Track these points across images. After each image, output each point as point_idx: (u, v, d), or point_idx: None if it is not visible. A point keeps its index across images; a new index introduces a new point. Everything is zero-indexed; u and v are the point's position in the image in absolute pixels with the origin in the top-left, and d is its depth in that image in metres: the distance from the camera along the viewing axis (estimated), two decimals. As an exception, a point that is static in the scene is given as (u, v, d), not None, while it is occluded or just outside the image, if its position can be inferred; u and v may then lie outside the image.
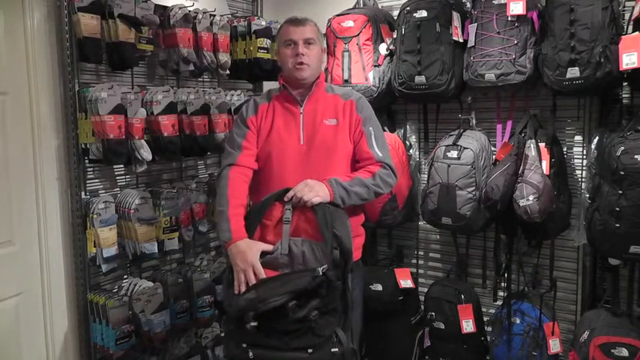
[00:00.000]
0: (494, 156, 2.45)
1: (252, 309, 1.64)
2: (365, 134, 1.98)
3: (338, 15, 2.73)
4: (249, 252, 1.74)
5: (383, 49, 2.64)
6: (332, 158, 1.95)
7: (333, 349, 1.67)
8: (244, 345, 1.68)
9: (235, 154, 1.97)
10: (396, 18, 2.64)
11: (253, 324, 1.64)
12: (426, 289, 2.71)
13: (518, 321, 2.44)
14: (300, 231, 1.79)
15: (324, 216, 1.74)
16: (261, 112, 2.03)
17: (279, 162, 1.95)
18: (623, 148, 2.00)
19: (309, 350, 1.65)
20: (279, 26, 2.10)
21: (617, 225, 2.02)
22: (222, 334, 2.08)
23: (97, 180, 2.39)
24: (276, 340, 1.66)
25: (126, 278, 2.49)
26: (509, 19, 2.28)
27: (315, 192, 1.78)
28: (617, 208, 2.01)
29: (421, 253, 3.00)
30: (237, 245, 1.76)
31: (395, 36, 2.60)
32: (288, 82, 2.02)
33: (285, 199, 1.80)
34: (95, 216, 2.22)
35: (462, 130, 2.51)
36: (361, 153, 1.99)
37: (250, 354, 1.67)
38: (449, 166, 2.41)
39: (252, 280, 1.71)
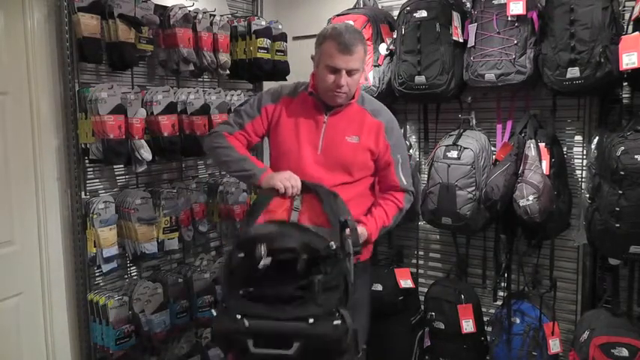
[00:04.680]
0: (494, 156, 2.45)
1: (270, 240, 1.56)
2: (393, 163, 1.95)
3: (338, 15, 2.73)
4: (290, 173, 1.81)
5: (383, 49, 2.64)
6: (347, 175, 1.93)
7: (335, 322, 1.54)
8: (239, 316, 1.53)
9: (234, 129, 1.98)
10: (396, 18, 2.64)
11: (266, 261, 1.52)
12: (426, 289, 2.71)
13: (518, 321, 2.44)
14: (305, 218, 1.78)
15: (330, 205, 1.73)
16: (283, 105, 1.97)
17: (294, 164, 1.92)
18: (623, 148, 2.00)
19: (310, 320, 1.51)
20: (322, 36, 1.87)
21: (617, 225, 2.02)
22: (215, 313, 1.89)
23: (97, 180, 2.39)
24: (275, 310, 1.54)
25: (126, 278, 2.49)
26: (509, 19, 2.28)
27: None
28: (617, 208, 2.01)
29: (421, 253, 3.00)
30: (273, 173, 1.83)
31: (395, 36, 2.60)
32: (319, 91, 1.92)
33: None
34: (95, 216, 2.22)
35: (462, 130, 2.51)
36: (387, 180, 1.97)
37: (246, 323, 1.52)
38: (449, 166, 2.41)
39: (297, 183, 1.76)
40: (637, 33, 2.04)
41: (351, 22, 2.47)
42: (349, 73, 1.83)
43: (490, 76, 2.32)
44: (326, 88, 1.87)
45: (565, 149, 2.47)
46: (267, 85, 3.12)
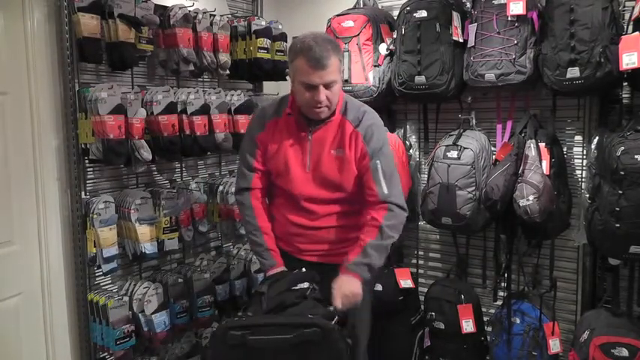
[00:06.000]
0: (494, 156, 2.45)
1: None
2: (370, 169, 1.87)
3: (338, 15, 2.73)
4: None
5: (383, 49, 2.64)
6: (340, 190, 1.92)
7: (331, 308, 1.73)
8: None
9: (249, 176, 1.99)
10: (396, 18, 2.64)
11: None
12: (426, 289, 2.71)
13: (518, 321, 2.44)
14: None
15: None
16: (269, 129, 1.96)
17: (287, 182, 1.94)
18: (623, 148, 2.00)
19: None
20: (293, 52, 1.82)
21: (617, 225, 2.02)
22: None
23: (97, 180, 2.39)
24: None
25: (126, 278, 2.49)
26: (509, 19, 2.28)
27: (356, 297, 1.80)
28: (617, 208, 2.01)
29: (421, 253, 3.00)
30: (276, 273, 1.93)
31: (395, 36, 2.60)
32: (300, 107, 1.89)
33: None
34: (95, 216, 2.22)
35: (462, 130, 2.51)
36: (365, 188, 1.90)
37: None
38: (449, 166, 2.41)
39: None
40: (637, 33, 2.04)
41: (322, 32, 2.43)
42: (327, 86, 1.78)
43: (490, 76, 2.32)
44: (306, 104, 1.84)
45: (565, 149, 2.47)
46: (267, 85, 3.12)
